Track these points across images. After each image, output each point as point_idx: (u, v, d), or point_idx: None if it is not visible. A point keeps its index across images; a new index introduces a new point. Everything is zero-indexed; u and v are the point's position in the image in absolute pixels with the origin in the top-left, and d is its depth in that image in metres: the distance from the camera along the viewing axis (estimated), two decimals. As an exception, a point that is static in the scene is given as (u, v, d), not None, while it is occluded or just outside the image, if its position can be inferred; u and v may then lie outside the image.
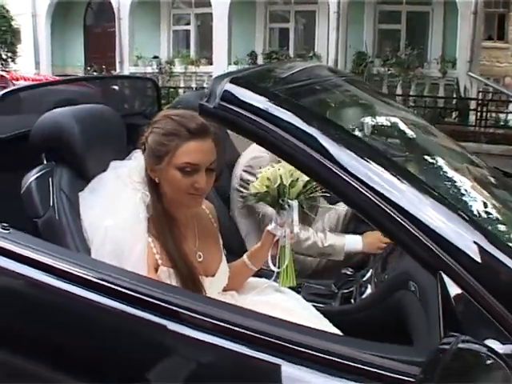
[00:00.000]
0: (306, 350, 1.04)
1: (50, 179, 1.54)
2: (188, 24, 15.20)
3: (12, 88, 1.81)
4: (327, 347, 1.05)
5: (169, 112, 1.48)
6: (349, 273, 2.03)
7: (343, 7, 12.02)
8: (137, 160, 1.54)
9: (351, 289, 2.00)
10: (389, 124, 1.70)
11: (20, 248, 1.27)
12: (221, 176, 2.41)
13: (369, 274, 2.00)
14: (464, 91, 10.78)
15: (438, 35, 12.36)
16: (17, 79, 8.92)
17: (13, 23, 13.87)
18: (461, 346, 0.86)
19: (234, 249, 1.85)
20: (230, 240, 1.88)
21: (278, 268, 1.67)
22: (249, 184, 2.10)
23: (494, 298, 0.92)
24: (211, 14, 13.74)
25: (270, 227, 1.65)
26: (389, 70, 11.68)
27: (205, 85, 13.85)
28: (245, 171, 2.31)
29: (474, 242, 0.94)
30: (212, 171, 1.46)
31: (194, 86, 13.66)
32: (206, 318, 1.11)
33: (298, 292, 1.87)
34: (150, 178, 1.48)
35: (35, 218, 1.49)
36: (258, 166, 2.08)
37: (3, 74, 8.86)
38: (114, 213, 1.46)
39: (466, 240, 0.94)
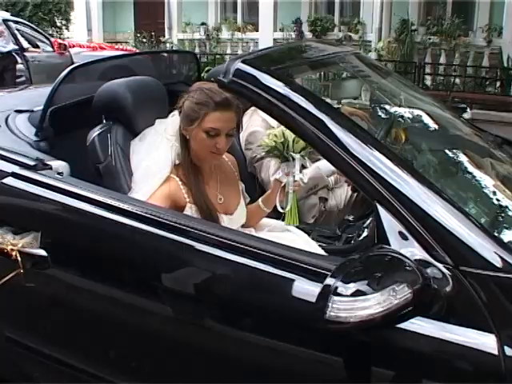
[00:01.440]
0: (301, 265, 1.39)
1: (108, 135, 1.96)
2: (235, -10, 15.43)
3: (78, 63, 2.21)
4: (315, 263, 1.42)
5: (202, 85, 1.87)
6: (351, 219, 2.42)
7: (390, -26, 11.93)
8: (173, 118, 1.95)
9: (353, 233, 2.38)
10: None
11: (70, 187, 1.72)
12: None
13: (368, 221, 2.37)
14: (507, 60, 10.68)
15: (486, 3, 12.15)
16: (72, 46, 9.47)
17: (66, -8, 14.33)
18: (377, 251, 1.23)
19: (252, 193, 2.24)
20: (250, 186, 2.27)
21: (284, 209, 2.07)
22: (252, 158, 2.49)
23: (416, 221, 1.27)
24: (258, -20, 13.89)
25: (277, 176, 2.04)
26: (429, 38, 11.62)
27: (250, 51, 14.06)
28: (246, 149, 2.59)
29: (401, 179, 1.30)
30: (231, 136, 1.87)
31: (240, 52, 13.84)
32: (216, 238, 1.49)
33: (308, 234, 2.27)
34: (182, 134, 1.89)
35: (97, 164, 1.92)
36: (257, 139, 2.43)
37: (64, 42, 9.39)
38: (152, 156, 1.90)
39: (398, 177, 1.31)
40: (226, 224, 1.92)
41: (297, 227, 2.15)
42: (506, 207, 1.62)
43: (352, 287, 1.17)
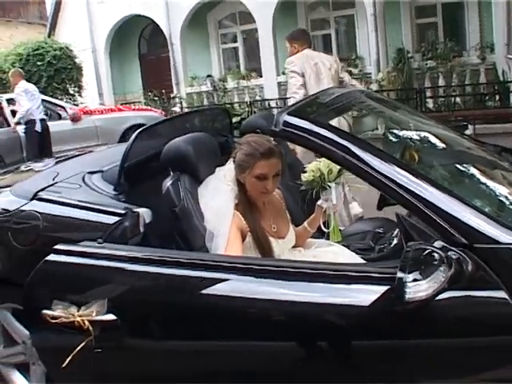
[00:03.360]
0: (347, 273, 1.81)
1: (178, 183, 2.40)
2: (235, 41, 16.06)
3: (141, 129, 2.63)
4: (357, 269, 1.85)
5: (249, 139, 2.31)
6: (380, 231, 2.82)
7: (379, 8, 12.44)
8: (229, 166, 2.39)
9: (384, 244, 2.78)
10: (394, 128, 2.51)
11: (110, 251, 2.08)
12: (284, 174, 3.26)
13: (395, 232, 2.77)
14: (502, 74, 11.13)
15: (475, 22, 12.59)
16: (93, 112, 10.18)
17: (76, 60, 14.96)
18: (417, 247, 1.61)
19: (299, 220, 2.66)
20: (295, 214, 2.69)
21: (328, 229, 2.49)
22: None
23: (437, 215, 1.67)
24: (256, 28, 14.43)
25: (319, 202, 2.46)
26: (426, 63, 12.14)
27: (257, 97, 14.59)
28: None
29: (417, 185, 1.71)
30: (278, 176, 2.30)
31: (247, 99, 14.26)
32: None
33: (347, 248, 2.67)
34: (237, 179, 2.33)
35: (173, 208, 2.36)
36: None
37: (76, 113, 10.14)
38: (216, 198, 2.32)
39: (413, 184, 1.71)
40: (280, 246, 2.35)
41: (338, 242, 2.56)
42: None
43: (411, 276, 1.56)
